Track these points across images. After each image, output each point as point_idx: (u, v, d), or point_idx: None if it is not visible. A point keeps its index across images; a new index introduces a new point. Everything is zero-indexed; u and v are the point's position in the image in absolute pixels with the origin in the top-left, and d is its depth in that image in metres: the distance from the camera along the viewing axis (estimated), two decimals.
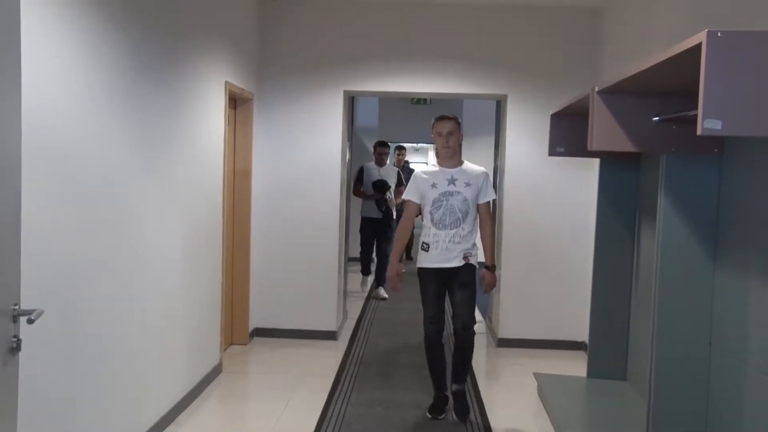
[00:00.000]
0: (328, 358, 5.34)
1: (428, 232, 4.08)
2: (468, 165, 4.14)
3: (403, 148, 9.80)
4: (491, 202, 4.17)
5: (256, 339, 5.80)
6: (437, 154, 4.21)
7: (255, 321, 5.81)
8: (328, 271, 5.89)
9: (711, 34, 1.95)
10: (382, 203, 7.59)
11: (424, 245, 4.09)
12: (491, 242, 4.18)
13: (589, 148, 3.16)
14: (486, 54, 5.71)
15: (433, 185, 4.06)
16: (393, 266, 4.22)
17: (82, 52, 2.77)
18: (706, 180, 3.01)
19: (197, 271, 4.30)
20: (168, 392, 3.88)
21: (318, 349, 5.58)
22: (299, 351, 5.52)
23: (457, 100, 9.79)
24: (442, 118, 4.09)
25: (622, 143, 3.10)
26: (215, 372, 4.72)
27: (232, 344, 5.53)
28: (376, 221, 7.67)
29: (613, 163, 4.25)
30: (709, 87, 1.96)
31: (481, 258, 4.16)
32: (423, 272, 4.13)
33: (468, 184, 4.05)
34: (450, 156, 4.09)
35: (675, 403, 3.05)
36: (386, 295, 7.68)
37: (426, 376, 4.37)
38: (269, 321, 5.87)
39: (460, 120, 4.18)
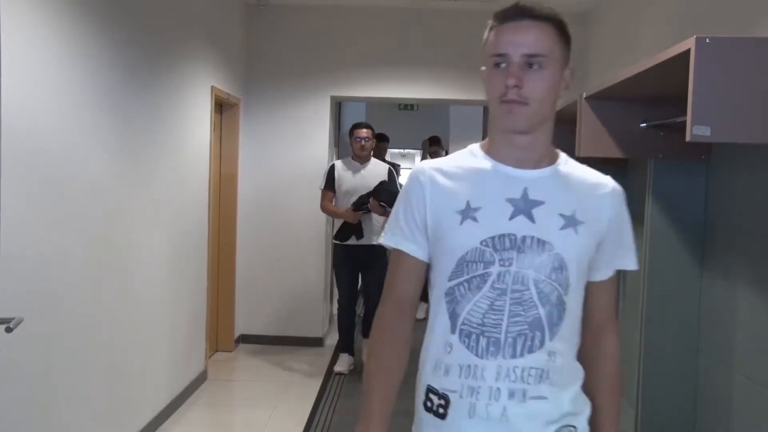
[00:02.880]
0: (314, 365, 5.30)
1: (446, 360, 1.44)
2: (574, 166, 1.55)
3: (384, 138, 6.81)
4: (618, 277, 1.61)
5: (241, 346, 5.75)
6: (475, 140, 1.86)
7: (240, 327, 5.77)
8: (315, 277, 5.85)
9: (699, 41, 1.95)
10: (359, 228, 4.97)
11: (436, 403, 1.46)
12: (615, 386, 1.60)
13: (576, 154, 3.15)
14: (473, 59, 5.67)
15: (466, 213, 1.44)
16: None
17: (65, 55, 2.74)
18: (693, 186, 3.01)
19: (182, 277, 4.25)
20: (152, 400, 3.83)
21: (304, 356, 5.54)
22: (285, 358, 5.47)
23: (443, 105, 9.81)
24: (517, 12, 1.43)
25: (610, 149, 3.10)
26: (200, 379, 4.66)
27: (217, 351, 5.48)
28: (355, 248, 5.01)
29: (600, 169, 4.25)
30: (697, 93, 1.96)
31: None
32: None
33: (572, 221, 1.44)
34: (523, 129, 1.43)
35: (663, 409, 3.04)
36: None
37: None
38: (255, 327, 5.82)
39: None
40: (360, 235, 4.94)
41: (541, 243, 1.40)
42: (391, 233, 1.52)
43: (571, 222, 1.43)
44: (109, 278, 3.20)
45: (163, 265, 3.93)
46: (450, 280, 1.42)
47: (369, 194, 4.88)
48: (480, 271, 1.40)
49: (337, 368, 5.13)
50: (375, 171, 5.09)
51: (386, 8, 5.66)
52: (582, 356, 1.52)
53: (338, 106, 6.68)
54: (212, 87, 4.75)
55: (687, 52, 1.99)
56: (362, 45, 5.76)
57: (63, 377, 2.80)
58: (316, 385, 4.82)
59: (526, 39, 1.37)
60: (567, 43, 1.44)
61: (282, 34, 5.73)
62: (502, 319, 1.38)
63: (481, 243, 1.40)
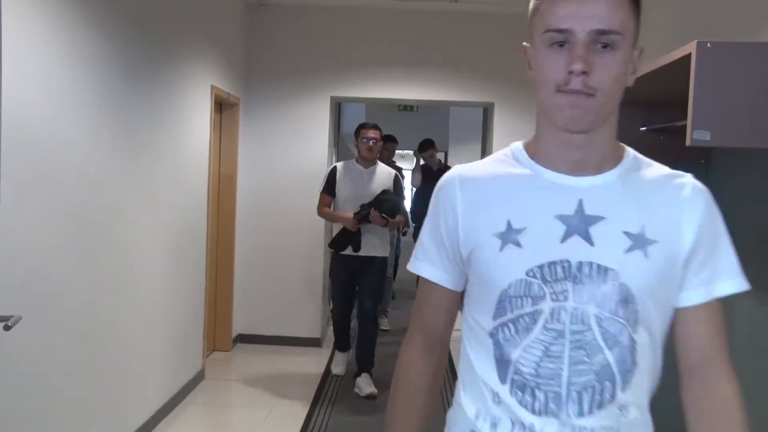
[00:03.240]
0: (311, 365, 5.30)
1: (494, 411, 1.17)
2: (644, 166, 1.22)
3: (392, 140, 6.74)
4: (718, 304, 1.20)
5: (239, 345, 5.74)
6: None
7: (238, 327, 5.76)
8: (313, 277, 5.85)
9: (701, 45, 1.95)
10: (357, 239, 4.64)
11: None
12: None
13: None
14: (473, 61, 5.71)
15: (507, 236, 1.15)
16: None
17: (65, 54, 2.73)
18: None
19: (180, 276, 4.25)
20: (149, 399, 3.82)
21: (302, 356, 5.53)
22: (282, 358, 5.47)
23: (443, 106, 9.81)
24: None
25: None
26: (197, 379, 4.66)
27: (214, 350, 5.47)
28: (351, 259, 4.70)
29: None
30: (698, 98, 1.96)
31: None
32: None
33: (641, 241, 1.13)
34: (586, 128, 1.12)
35: (660, 414, 3.04)
36: (373, 389, 4.58)
37: None
38: (252, 327, 5.82)
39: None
40: (357, 247, 4.62)
41: (603, 270, 1.11)
42: (417, 257, 1.28)
43: (639, 242, 1.12)
44: (107, 277, 3.20)
45: (162, 264, 3.92)
46: (494, 318, 1.16)
47: (370, 204, 4.55)
48: (528, 309, 1.13)
49: (335, 370, 5.04)
50: (380, 177, 4.70)
51: (387, 9, 5.66)
52: (684, 407, 1.25)
53: (338, 107, 6.67)
54: (212, 86, 4.74)
55: (688, 57, 1.99)
56: (362, 45, 5.76)
57: (60, 376, 2.79)
58: (313, 385, 4.81)
59: (597, 11, 1.05)
60: (639, 15, 1.12)
61: (282, 33, 5.73)
62: (561, 369, 1.11)
63: (526, 274, 1.12)
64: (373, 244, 4.66)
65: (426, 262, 1.26)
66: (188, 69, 4.25)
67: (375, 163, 4.74)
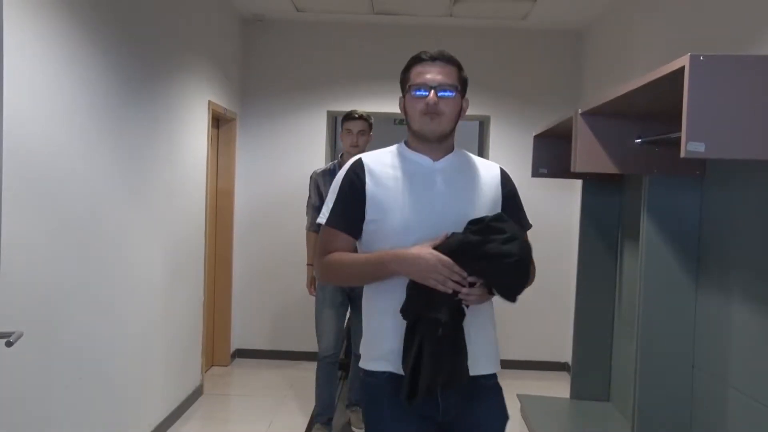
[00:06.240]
0: (310, 380, 5.28)
1: None
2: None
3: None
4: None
5: (237, 360, 5.73)
6: None
7: (236, 342, 5.75)
8: None
9: (694, 58, 1.98)
10: (461, 346, 1.94)
11: None
12: None
13: (572, 169, 3.17)
14: (469, 75, 5.72)
15: None
16: None
17: (63, 69, 2.75)
18: (688, 202, 3.04)
19: (178, 291, 4.25)
20: (147, 415, 3.81)
21: (300, 370, 5.53)
22: (281, 372, 5.46)
23: None
24: None
25: (605, 165, 3.12)
26: (196, 394, 4.65)
27: (213, 365, 5.46)
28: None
29: (595, 185, 4.27)
30: (692, 110, 1.98)
31: None
32: None
33: None
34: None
35: (659, 424, 3.04)
36: None
37: None
38: (251, 342, 5.81)
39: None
40: (464, 371, 1.99)
41: None
42: None
43: None
44: (106, 292, 3.20)
45: (160, 280, 3.92)
46: None
47: (463, 245, 1.88)
48: None
49: None
50: (474, 177, 2.12)
51: (382, 24, 5.70)
52: None
53: (334, 121, 6.69)
54: (209, 101, 4.77)
55: (681, 70, 2.02)
56: (358, 60, 5.80)
57: (60, 392, 2.79)
58: (312, 399, 4.79)
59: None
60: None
61: (278, 49, 5.77)
62: None
63: None
64: (487, 350, 2.16)
65: None
66: (185, 84, 4.27)
67: (452, 149, 2.17)
